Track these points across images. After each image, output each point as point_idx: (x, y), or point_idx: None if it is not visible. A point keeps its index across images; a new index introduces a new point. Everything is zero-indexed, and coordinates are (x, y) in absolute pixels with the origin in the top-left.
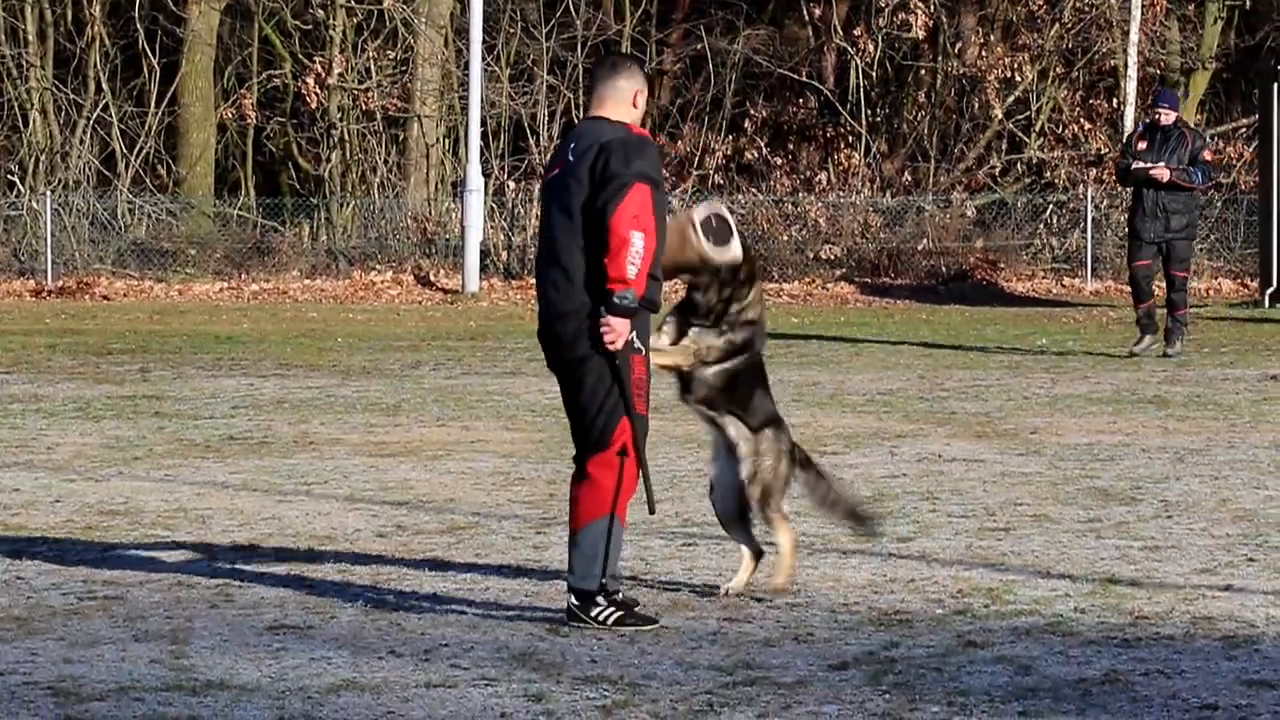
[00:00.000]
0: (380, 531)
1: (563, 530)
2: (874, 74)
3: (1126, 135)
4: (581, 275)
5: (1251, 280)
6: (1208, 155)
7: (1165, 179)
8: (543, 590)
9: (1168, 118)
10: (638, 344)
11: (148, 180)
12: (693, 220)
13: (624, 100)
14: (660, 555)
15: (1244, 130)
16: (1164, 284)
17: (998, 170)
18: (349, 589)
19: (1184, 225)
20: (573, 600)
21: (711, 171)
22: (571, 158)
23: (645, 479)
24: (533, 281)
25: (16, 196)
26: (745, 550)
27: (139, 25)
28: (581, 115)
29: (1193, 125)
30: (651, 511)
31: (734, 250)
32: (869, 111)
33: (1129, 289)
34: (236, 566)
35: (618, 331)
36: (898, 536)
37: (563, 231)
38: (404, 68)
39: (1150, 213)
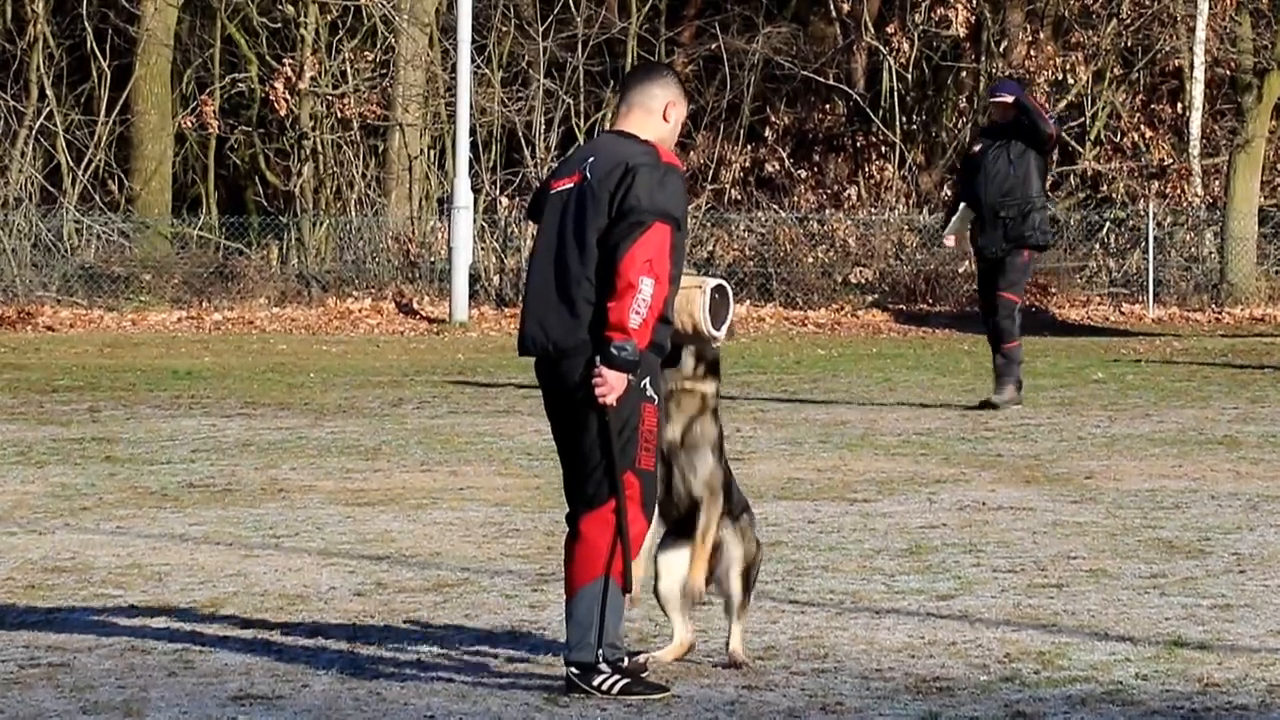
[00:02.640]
0: (358, 589)
1: (561, 588)
2: (909, 76)
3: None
4: (590, 310)
5: None
6: (1052, 128)
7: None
8: (540, 654)
9: (1005, 112)
10: (650, 392)
11: (97, 197)
12: (704, 287)
13: (655, 110)
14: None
15: None
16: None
17: (1048, 184)
18: (323, 654)
19: (1020, 234)
20: (572, 670)
21: (728, 185)
22: (590, 174)
23: (624, 547)
24: None
25: None
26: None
27: (87, 24)
28: (582, 123)
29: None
30: (626, 590)
31: (723, 334)
32: (904, 118)
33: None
34: (197, 629)
35: (611, 385)
36: (937, 594)
37: (573, 258)
38: (384, 71)
39: (990, 221)
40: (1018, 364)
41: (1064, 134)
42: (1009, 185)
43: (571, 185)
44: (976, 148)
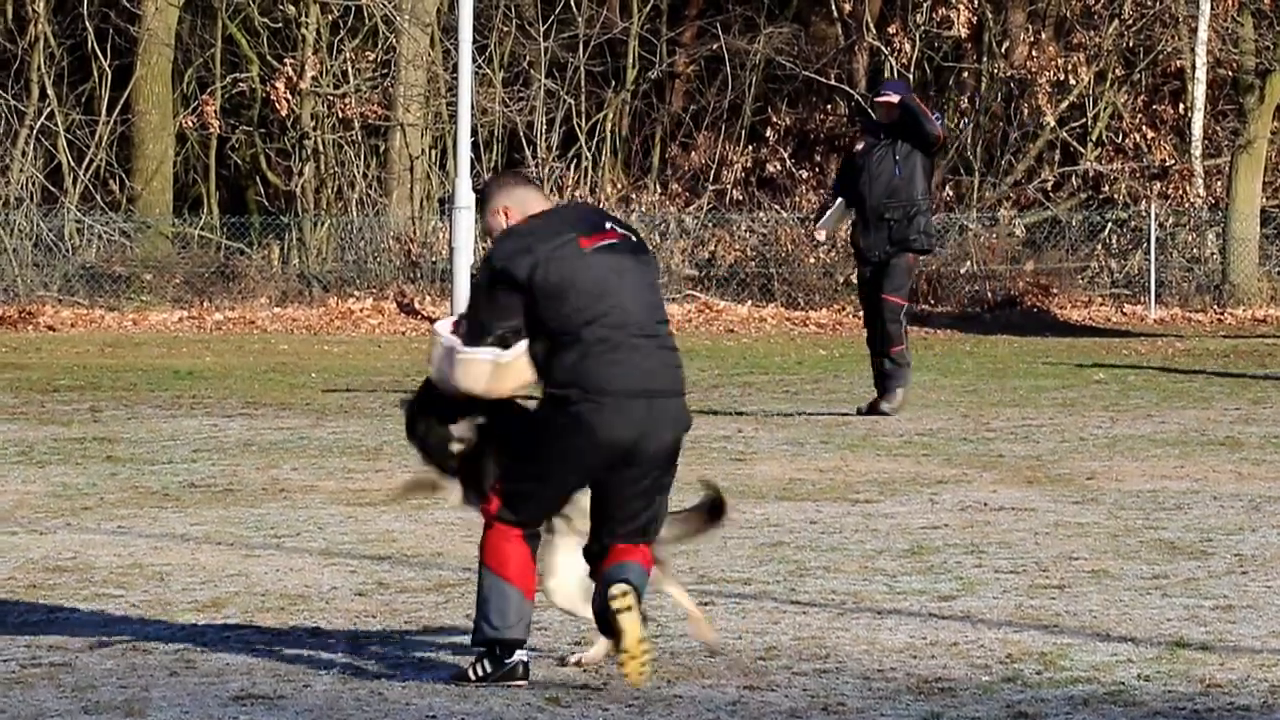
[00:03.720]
0: (359, 589)
1: None
2: (911, 77)
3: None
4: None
5: None
6: (938, 129)
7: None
8: (541, 655)
9: (890, 112)
10: None
11: (98, 197)
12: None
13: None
14: (672, 615)
15: None
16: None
17: (1050, 184)
18: (324, 654)
19: (905, 237)
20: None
21: (729, 186)
22: (633, 235)
23: None
24: None
25: None
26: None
27: (88, 24)
28: (583, 123)
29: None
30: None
31: None
32: None
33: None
34: (198, 629)
35: None
36: (939, 595)
37: (660, 306)
38: (385, 70)
39: (873, 223)
40: (906, 366)
41: (1066, 134)
42: (894, 186)
43: (619, 240)
44: (859, 147)
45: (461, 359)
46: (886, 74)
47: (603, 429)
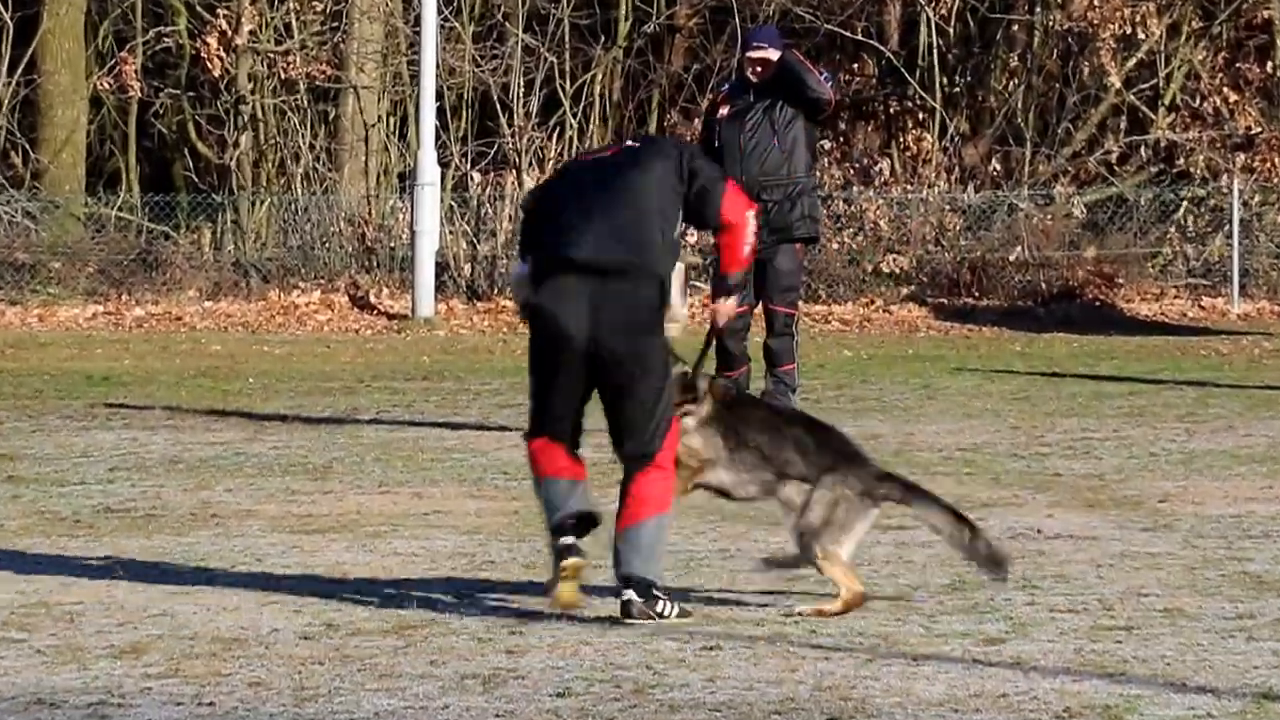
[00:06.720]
0: (305, 632)
1: (543, 629)
2: (952, 31)
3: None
4: None
5: None
6: (829, 91)
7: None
8: (517, 708)
9: (766, 70)
10: None
11: None
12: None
13: None
14: (672, 661)
15: None
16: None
17: (1114, 156)
18: (263, 708)
19: (787, 224)
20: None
21: None
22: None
23: None
24: (504, 303)
25: None
26: None
27: None
28: (567, 84)
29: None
30: None
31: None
32: (945, 80)
33: None
34: (115, 679)
35: None
36: (985, 638)
37: None
38: (335, 24)
39: None
40: (794, 390)
41: (1134, 98)
42: (772, 161)
43: None
44: (724, 111)
45: None
46: (923, 28)
47: None
